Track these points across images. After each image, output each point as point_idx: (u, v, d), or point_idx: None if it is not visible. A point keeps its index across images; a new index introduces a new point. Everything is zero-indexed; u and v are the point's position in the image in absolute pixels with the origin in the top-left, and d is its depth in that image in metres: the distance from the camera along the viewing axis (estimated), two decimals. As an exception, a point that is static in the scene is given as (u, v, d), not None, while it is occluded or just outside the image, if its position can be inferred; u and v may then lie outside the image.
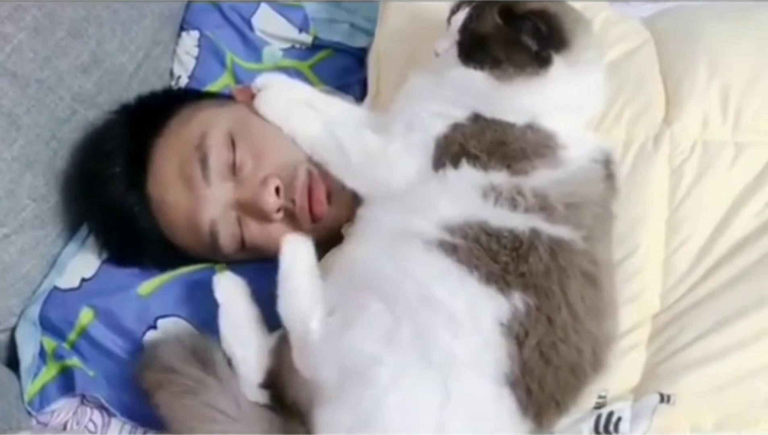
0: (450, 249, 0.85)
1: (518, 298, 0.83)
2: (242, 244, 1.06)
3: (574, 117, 0.94)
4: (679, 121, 1.01)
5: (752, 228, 0.96)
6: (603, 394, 0.91)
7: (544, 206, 0.86)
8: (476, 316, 0.83)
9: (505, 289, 0.83)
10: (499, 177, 0.88)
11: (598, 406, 0.91)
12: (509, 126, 0.90)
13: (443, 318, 0.83)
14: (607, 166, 0.93)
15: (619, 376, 0.92)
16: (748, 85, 1.02)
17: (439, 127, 0.92)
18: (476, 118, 0.91)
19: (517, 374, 0.82)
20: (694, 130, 1.01)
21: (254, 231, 1.05)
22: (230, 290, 1.00)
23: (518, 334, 0.82)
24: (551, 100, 0.90)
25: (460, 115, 0.92)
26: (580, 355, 0.84)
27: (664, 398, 0.90)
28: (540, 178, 0.88)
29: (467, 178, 0.89)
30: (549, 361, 0.83)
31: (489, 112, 0.91)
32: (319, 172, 1.03)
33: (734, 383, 0.89)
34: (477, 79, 0.90)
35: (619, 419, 0.90)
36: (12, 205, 1.09)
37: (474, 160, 0.89)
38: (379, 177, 0.95)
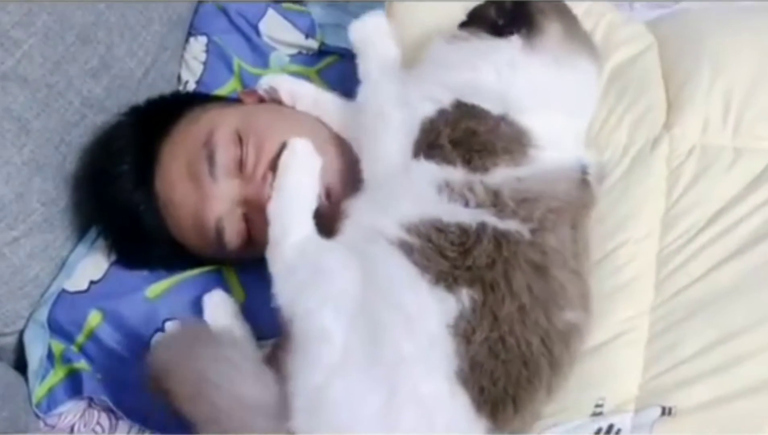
0: (408, 249, 0.87)
1: (465, 294, 0.84)
2: (248, 241, 1.05)
3: (550, 116, 0.94)
4: (680, 125, 1.01)
5: (752, 228, 0.94)
6: (600, 402, 0.90)
7: (495, 202, 0.87)
8: (424, 318, 0.84)
9: (453, 286, 0.84)
10: (455, 173, 0.89)
11: (596, 414, 0.90)
12: (484, 113, 0.91)
13: (400, 318, 0.85)
14: (582, 173, 0.93)
15: (614, 378, 0.91)
16: (751, 90, 1.02)
17: (428, 109, 0.93)
18: (459, 104, 0.92)
19: (467, 372, 0.83)
20: (693, 133, 1.00)
21: (260, 227, 1.03)
22: (218, 311, 1.03)
23: (466, 331, 0.83)
24: (510, 82, 0.92)
25: (446, 99, 0.93)
26: (528, 346, 0.84)
27: (665, 411, 0.88)
28: (498, 175, 0.89)
29: (425, 171, 0.90)
30: (497, 355, 0.83)
31: (459, 89, 0.93)
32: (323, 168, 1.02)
33: (740, 396, 0.87)
34: (438, 45, 0.96)
35: (618, 431, 0.88)
36: (21, 209, 1.09)
37: (434, 150, 0.90)
38: (378, 148, 0.96)
